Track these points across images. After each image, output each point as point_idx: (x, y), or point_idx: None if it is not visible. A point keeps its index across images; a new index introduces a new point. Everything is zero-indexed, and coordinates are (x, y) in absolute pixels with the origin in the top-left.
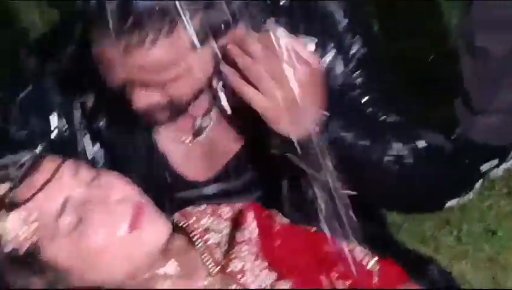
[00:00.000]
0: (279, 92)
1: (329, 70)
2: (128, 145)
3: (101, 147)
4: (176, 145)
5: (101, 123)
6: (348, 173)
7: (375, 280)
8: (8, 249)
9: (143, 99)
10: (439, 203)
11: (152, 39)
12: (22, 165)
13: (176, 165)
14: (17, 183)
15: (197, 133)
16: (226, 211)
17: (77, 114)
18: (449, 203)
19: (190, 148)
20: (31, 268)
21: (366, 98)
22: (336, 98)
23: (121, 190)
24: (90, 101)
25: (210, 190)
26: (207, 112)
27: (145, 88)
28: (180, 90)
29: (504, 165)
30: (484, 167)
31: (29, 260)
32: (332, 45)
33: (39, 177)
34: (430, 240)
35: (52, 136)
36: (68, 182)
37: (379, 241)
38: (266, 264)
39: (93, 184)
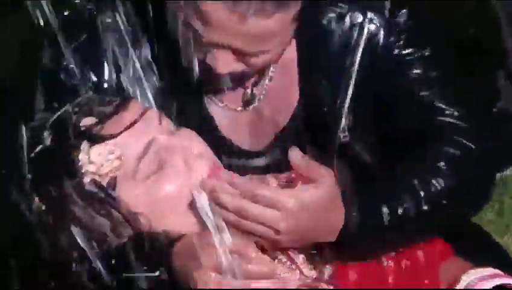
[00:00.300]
0: (286, 235)
1: (371, 38)
2: (178, 104)
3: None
4: (225, 112)
5: (153, 79)
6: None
7: (420, 253)
8: (87, 179)
9: (230, 65)
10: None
11: (271, 11)
12: (109, 103)
13: (224, 131)
14: (104, 118)
15: (247, 102)
16: (273, 181)
17: (130, 67)
18: None
19: (239, 117)
20: (101, 205)
21: (410, 71)
22: (370, 78)
23: (200, 145)
24: (144, 56)
25: (257, 161)
26: (256, 83)
27: (238, 55)
28: (263, 62)
29: None
30: None
31: (102, 196)
32: (377, 15)
33: (127, 116)
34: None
35: (103, 86)
36: (154, 126)
37: None
38: None
39: (175, 134)
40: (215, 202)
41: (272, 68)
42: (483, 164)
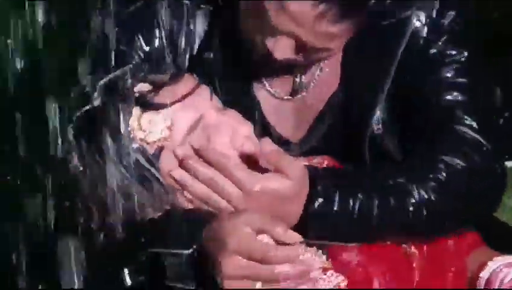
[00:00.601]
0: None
1: (414, 34)
2: (227, 84)
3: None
4: (271, 99)
5: (207, 54)
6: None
7: (451, 243)
8: (135, 145)
9: (288, 53)
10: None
11: (342, 15)
12: (163, 72)
13: (268, 117)
14: (158, 87)
15: (296, 91)
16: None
17: (182, 39)
18: None
19: (284, 105)
20: (142, 173)
21: (442, 72)
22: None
23: (247, 128)
24: (200, 30)
25: (295, 149)
26: (305, 72)
27: (299, 45)
28: (321, 57)
29: None
30: None
31: (146, 164)
32: (424, 13)
33: (180, 88)
34: None
35: (152, 55)
36: (205, 102)
37: None
38: None
39: (225, 113)
40: (189, 169)
41: (327, 70)
42: (485, 181)
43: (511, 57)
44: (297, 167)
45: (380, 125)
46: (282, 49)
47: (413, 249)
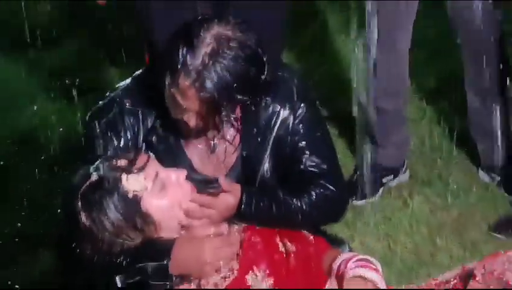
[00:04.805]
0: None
1: (283, 121)
2: (167, 153)
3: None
4: (198, 153)
5: (152, 138)
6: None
7: (312, 248)
8: (130, 195)
9: (196, 122)
10: (338, 217)
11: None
12: (129, 152)
13: (198, 168)
14: (132, 160)
15: (213, 150)
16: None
17: (140, 137)
18: (362, 202)
19: (206, 158)
20: (130, 213)
21: (301, 143)
22: (282, 145)
23: (184, 174)
24: (149, 125)
25: (216, 185)
26: (214, 138)
27: (202, 117)
28: (215, 122)
29: (397, 180)
30: (384, 180)
31: (135, 208)
32: (288, 106)
33: (143, 158)
34: (350, 225)
35: (120, 148)
36: (156, 165)
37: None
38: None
39: (167, 169)
40: (190, 215)
41: (228, 137)
42: (337, 201)
43: None
44: (237, 188)
45: (269, 172)
46: (193, 120)
47: (290, 245)
